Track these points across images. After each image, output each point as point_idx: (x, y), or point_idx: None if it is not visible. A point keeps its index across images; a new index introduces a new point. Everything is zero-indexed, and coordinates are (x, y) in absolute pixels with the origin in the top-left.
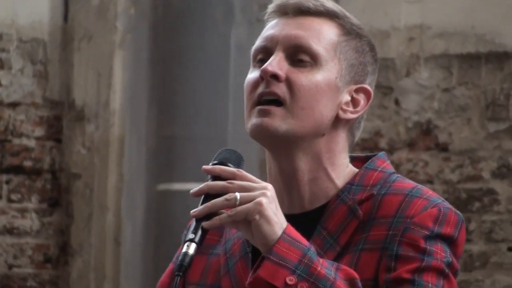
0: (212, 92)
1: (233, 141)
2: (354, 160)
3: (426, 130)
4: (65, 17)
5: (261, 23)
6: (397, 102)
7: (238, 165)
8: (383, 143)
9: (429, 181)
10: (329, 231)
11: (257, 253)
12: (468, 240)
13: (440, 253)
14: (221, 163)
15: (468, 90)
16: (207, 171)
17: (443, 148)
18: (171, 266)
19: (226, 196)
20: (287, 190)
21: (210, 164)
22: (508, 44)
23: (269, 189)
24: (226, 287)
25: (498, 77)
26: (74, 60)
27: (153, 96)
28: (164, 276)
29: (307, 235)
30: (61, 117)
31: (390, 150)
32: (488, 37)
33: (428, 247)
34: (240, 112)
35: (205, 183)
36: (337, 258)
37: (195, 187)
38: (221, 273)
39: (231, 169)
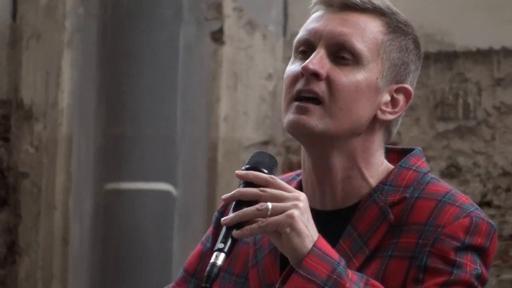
0: (160, 91)
1: (181, 140)
2: (389, 152)
3: None
4: (14, 16)
5: (210, 22)
6: None
7: (271, 169)
8: None
9: None
10: (359, 232)
11: None
12: None
13: (470, 265)
14: (254, 167)
15: (417, 90)
16: (240, 177)
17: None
18: (199, 247)
19: (258, 206)
20: (320, 186)
21: (243, 168)
22: (457, 43)
23: (302, 200)
24: (254, 280)
25: (447, 76)
26: (23, 59)
27: (101, 95)
28: (191, 257)
29: (338, 233)
30: (9, 116)
31: None
32: (437, 36)
33: (458, 259)
34: (189, 111)
35: (237, 189)
36: (366, 262)
37: (143, 186)
38: (250, 264)
39: (264, 175)
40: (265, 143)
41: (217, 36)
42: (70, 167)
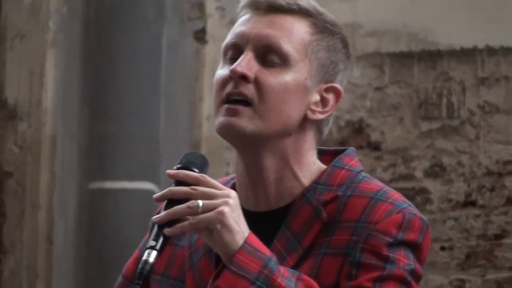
0: (143, 91)
1: (165, 139)
2: (323, 154)
3: (358, 129)
4: None
5: (192, 21)
6: None
7: (202, 169)
8: None
9: None
10: (293, 231)
11: None
12: None
13: (403, 260)
14: (185, 167)
15: (401, 89)
16: (171, 176)
17: (375, 147)
18: (136, 253)
19: (189, 204)
20: (253, 188)
21: (174, 167)
22: (441, 42)
23: (232, 197)
24: (189, 282)
25: (430, 75)
26: (7, 58)
27: (85, 94)
28: (129, 263)
29: (272, 234)
30: None
31: None
32: (420, 35)
33: (390, 254)
34: (172, 111)
35: (169, 188)
36: (300, 261)
37: (126, 185)
38: (185, 267)
39: (195, 174)
40: None
41: (200, 35)
42: (54, 166)
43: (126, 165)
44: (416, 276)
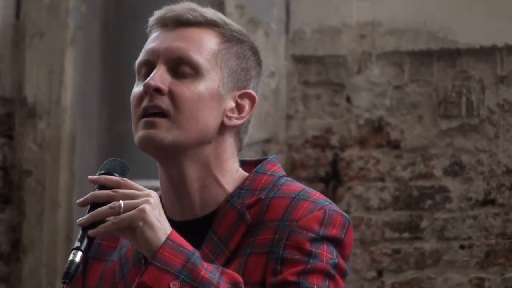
0: None
1: None
2: (245, 165)
3: (378, 127)
4: (17, 15)
5: None
6: (348, 99)
7: (123, 174)
8: (334, 140)
9: (380, 179)
10: (219, 236)
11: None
12: (420, 238)
13: (326, 254)
14: (107, 173)
15: (420, 87)
16: (93, 181)
17: (394, 145)
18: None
19: (111, 204)
20: (178, 198)
21: (97, 174)
22: (460, 41)
23: (152, 196)
24: None
25: (449, 74)
26: (26, 57)
27: (104, 93)
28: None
29: (199, 241)
30: (12, 114)
31: (342, 148)
32: (440, 34)
33: (313, 249)
34: None
35: (91, 192)
36: (226, 263)
37: (145, 184)
38: (116, 279)
39: (115, 178)
40: (267, 141)
41: None
42: (74, 164)
43: (145, 164)
44: (341, 271)
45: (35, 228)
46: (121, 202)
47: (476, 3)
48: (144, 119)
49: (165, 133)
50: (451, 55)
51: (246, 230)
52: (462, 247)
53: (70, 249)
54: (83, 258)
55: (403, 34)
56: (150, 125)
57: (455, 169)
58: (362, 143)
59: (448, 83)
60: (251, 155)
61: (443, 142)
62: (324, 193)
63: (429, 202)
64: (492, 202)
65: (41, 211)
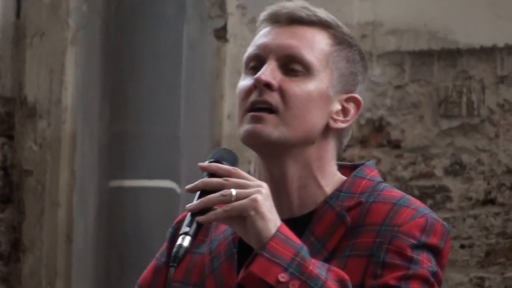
0: (164, 89)
1: (185, 137)
2: (341, 168)
3: (379, 127)
4: (17, 14)
5: (213, 20)
6: None
7: (233, 164)
8: None
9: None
10: (317, 236)
11: (243, 254)
12: None
13: (426, 262)
14: (217, 161)
15: (421, 87)
16: (203, 168)
17: (395, 145)
18: (153, 263)
19: (222, 192)
20: (276, 195)
21: (206, 162)
22: (461, 41)
23: (264, 187)
24: (210, 286)
25: (450, 74)
26: (26, 56)
27: (105, 92)
28: (146, 272)
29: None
30: (13, 114)
31: None
32: (440, 34)
33: (414, 255)
34: (193, 109)
35: (201, 179)
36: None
37: (147, 184)
38: (206, 272)
39: (227, 167)
40: None
41: (221, 34)
42: (74, 164)
43: (146, 163)
44: (438, 279)
45: (35, 228)
46: (233, 190)
47: (476, 3)
48: (251, 113)
49: (272, 129)
50: (451, 55)
51: (345, 232)
52: (462, 246)
53: (70, 249)
54: (191, 243)
55: (404, 34)
56: (257, 120)
57: (456, 169)
58: (363, 142)
59: (448, 83)
60: (253, 154)
61: (444, 142)
62: None
63: (429, 201)
64: (493, 201)
65: (41, 211)
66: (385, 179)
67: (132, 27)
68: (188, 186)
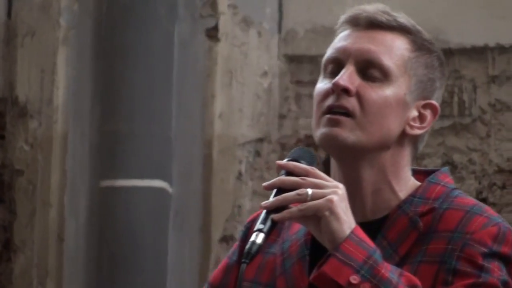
0: (155, 88)
1: (176, 137)
2: (415, 173)
3: None
4: (8, 13)
5: (204, 19)
6: None
7: (311, 164)
8: None
9: None
10: (389, 241)
11: (315, 256)
12: None
13: (497, 271)
14: (294, 160)
15: None
16: (281, 166)
17: None
18: (224, 261)
19: (298, 191)
20: (351, 199)
21: (285, 160)
22: (452, 41)
23: (341, 188)
24: (281, 287)
25: None
26: (18, 56)
27: (96, 92)
28: (216, 271)
29: None
30: (4, 113)
31: None
32: (432, 33)
33: (485, 264)
34: (184, 108)
35: (278, 177)
36: None
37: (138, 183)
38: (277, 273)
39: (304, 166)
40: (260, 140)
41: (212, 33)
42: (65, 164)
43: (138, 163)
44: None
45: (26, 228)
46: (309, 190)
47: (468, 3)
48: (328, 116)
49: (349, 132)
50: (443, 55)
51: (418, 238)
52: None
53: (61, 249)
54: (264, 240)
55: None
56: (334, 123)
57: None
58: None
59: None
60: (243, 154)
61: (435, 141)
62: None
63: None
64: (484, 201)
65: (32, 211)
66: None
67: (124, 27)
68: (265, 184)
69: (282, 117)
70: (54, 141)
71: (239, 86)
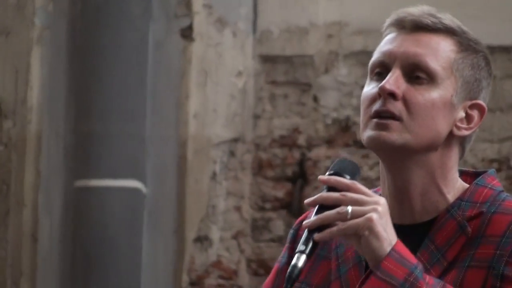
0: (130, 88)
1: (151, 137)
2: (463, 174)
3: (345, 127)
4: None
5: (179, 19)
6: (315, 99)
7: (353, 175)
8: (301, 140)
9: None
10: (437, 245)
11: None
12: None
13: None
14: (336, 173)
15: None
16: (323, 182)
17: (361, 145)
18: (275, 266)
19: (338, 209)
20: (399, 201)
21: (327, 173)
22: None
23: (381, 204)
24: None
25: None
26: None
27: (71, 92)
28: (269, 276)
29: (416, 246)
30: None
31: (309, 147)
32: None
33: None
34: (158, 108)
35: (320, 193)
36: (443, 273)
37: (112, 183)
38: (332, 277)
39: (345, 181)
40: (235, 140)
41: (187, 33)
42: (39, 164)
43: (112, 163)
44: None
45: (0, 228)
46: (349, 208)
47: (443, 3)
48: (376, 120)
49: (397, 136)
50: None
51: (466, 243)
52: None
53: (35, 249)
54: (306, 262)
55: (370, 34)
56: (382, 127)
57: None
58: (329, 142)
59: None
60: (217, 154)
61: None
62: (291, 192)
63: None
64: None
65: (6, 211)
66: None
67: (98, 27)
68: (307, 201)
69: (256, 117)
70: (28, 141)
71: (213, 86)
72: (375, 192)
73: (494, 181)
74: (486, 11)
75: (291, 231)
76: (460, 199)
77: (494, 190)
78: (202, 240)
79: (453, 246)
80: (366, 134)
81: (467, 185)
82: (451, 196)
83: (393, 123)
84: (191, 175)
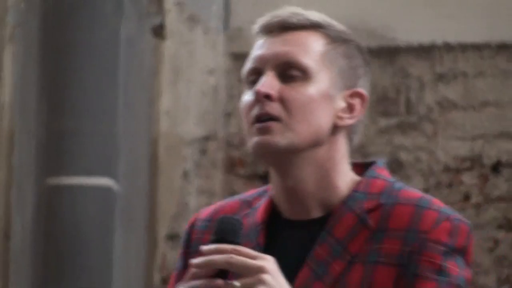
0: (101, 86)
1: (123, 135)
2: (353, 166)
3: None
4: None
5: (151, 17)
6: None
7: (237, 231)
8: None
9: None
10: (337, 238)
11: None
12: None
13: (456, 269)
14: (220, 239)
15: None
16: (206, 254)
17: None
18: (174, 275)
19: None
20: (292, 200)
21: (211, 238)
22: (399, 38)
23: (266, 270)
24: None
25: (388, 71)
26: None
27: (43, 90)
28: (169, 286)
29: (313, 240)
30: None
31: None
32: (379, 31)
33: (445, 264)
34: (130, 106)
35: (206, 258)
36: (348, 267)
37: (84, 181)
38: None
39: (228, 247)
40: (207, 138)
41: (158, 31)
42: (12, 162)
43: (84, 161)
44: (468, 283)
45: None
46: (236, 283)
47: (415, 1)
48: (257, 124)
49: (279, 137)
50: (389, 53)
51: (369, 236)
52: None
53: (7, 247)
54: None
55: None
56: (264, 131)
57: (394, 167)
58: None
59: (387, 81)
60: (189, 152)
61: (382, 140)
62: None
63: None
64: None
65: None
66: None
67: (70, 25)
68: (194, 261)
69: (228, 115)
70: (0, 139)
71: (185, 84)
72: (264, 191)
73: (383, 172)
74: (458, 10)
75: (184, 235)
76: (354, 191)
77: (387, 181)
78: (174, 237)
79: (356, 239)
80: (251, 142)
81: (357, 177)
82: (344, 188)
83: (274, 125)
84: (163, 173)
